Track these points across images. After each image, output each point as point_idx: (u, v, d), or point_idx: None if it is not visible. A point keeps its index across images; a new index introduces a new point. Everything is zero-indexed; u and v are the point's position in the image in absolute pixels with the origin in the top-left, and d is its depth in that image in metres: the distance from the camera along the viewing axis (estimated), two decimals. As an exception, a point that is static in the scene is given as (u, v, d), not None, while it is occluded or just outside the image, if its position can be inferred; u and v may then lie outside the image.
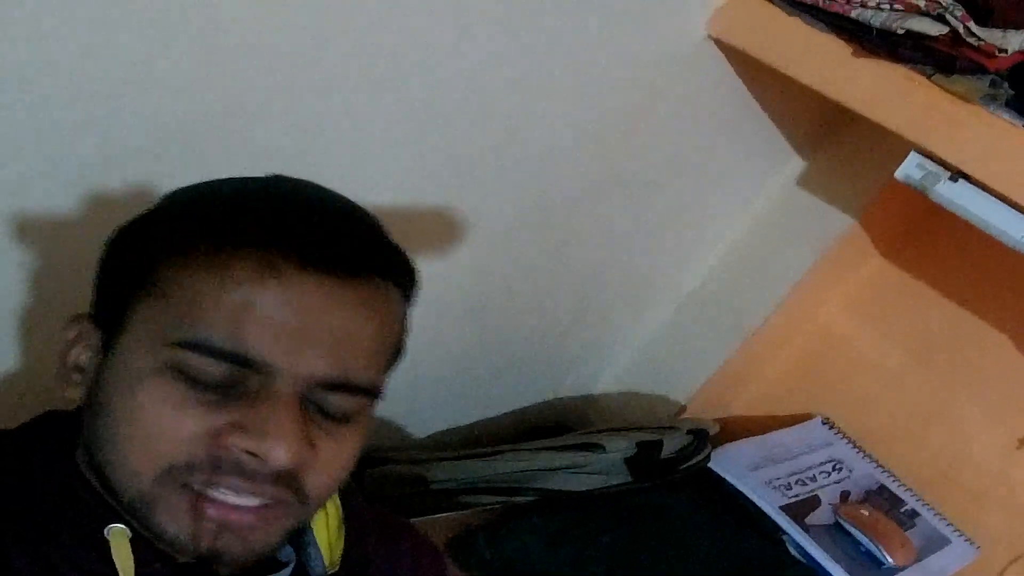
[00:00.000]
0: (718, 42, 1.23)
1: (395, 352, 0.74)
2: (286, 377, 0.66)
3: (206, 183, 0.74)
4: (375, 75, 1.00)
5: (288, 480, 0.67)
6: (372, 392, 0.70)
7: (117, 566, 0.67)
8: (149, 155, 0.91)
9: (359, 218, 0.73)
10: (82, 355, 0.72)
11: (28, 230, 0.91)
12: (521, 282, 1.33)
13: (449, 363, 1.36)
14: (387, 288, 0.71)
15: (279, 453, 0.65)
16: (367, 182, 1.04)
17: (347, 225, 0.72)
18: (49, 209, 0.91)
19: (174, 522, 0.66)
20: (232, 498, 0.66)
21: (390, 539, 0.89)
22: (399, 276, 0.73)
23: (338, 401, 0.68)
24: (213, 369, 0.65)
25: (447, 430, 1.46)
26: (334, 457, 0.69)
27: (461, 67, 1.05)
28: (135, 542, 0.69)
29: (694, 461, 1.36)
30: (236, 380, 0.66)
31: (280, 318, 0.65)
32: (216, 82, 0.91)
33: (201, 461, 0.65)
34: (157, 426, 0.65)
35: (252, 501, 0.67)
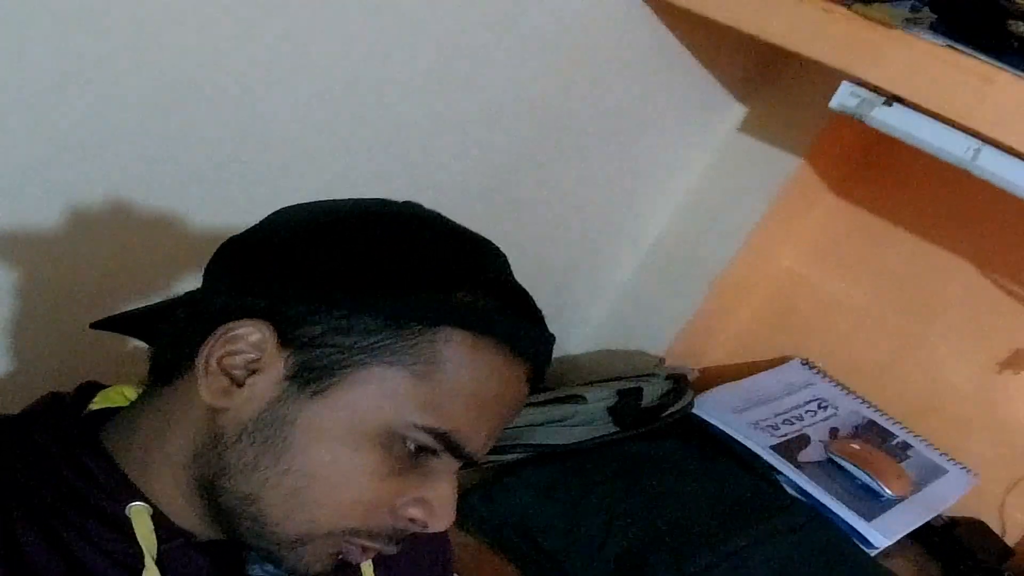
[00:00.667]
0: None
1: None
2: (465, 460, 0.72)
3: (436, 226, 0.75)
4: (309, 54, 1.01)
5: None
6: None
7: (140, 543, 0.68)
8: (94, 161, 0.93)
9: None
10: (233, 360, 0.69)
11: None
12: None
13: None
14: None
15: (444, 525, 0.72)
16: (304, 161, 1.06)
17: (550, 337, 0.75)
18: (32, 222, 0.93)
19: (317, 562, 0.70)
20: (379, 546, 0.72)
21: None
22: None
23: None
24: (424, 448, 0.69)
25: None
26: None
27: (385, 33, 1.06)
28: (155, 520, 0.69)
29: (678, 407, 1.37)
30: (428, 455, 0.70)
31: (498, 417, 0.72)
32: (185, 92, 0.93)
33: (380, 529, 0.70)
34: (364, 493, 0.68)
35: (392, 551, 0.73)
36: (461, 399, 0.68)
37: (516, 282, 0.75)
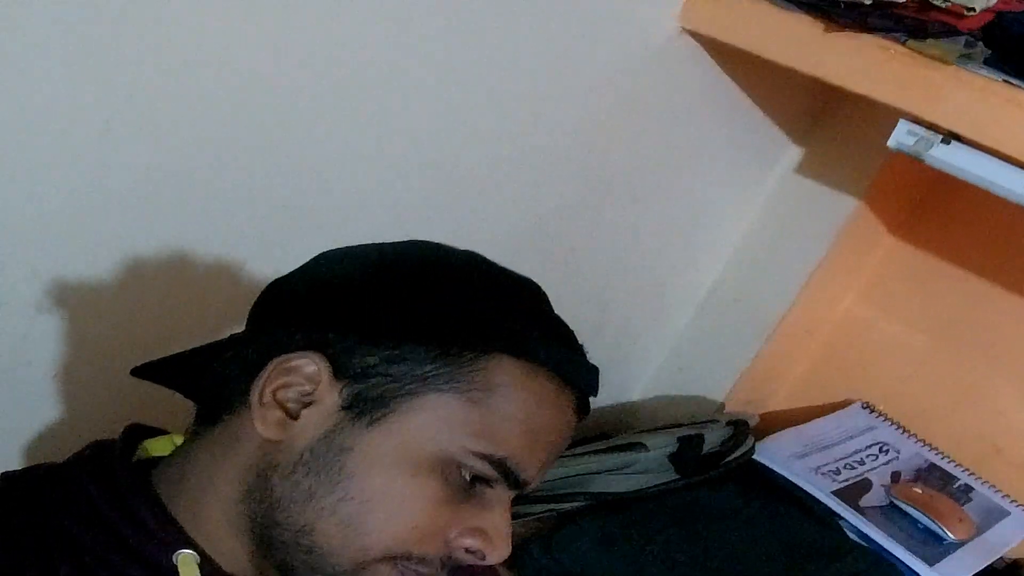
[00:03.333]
0: (693, 34, 1.26)
1: None
2: (519, 490, 0.73)
3: (480, 263, 0.78)
4: (358, 104, 1.03)
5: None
6: None
7: None
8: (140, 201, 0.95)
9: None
10: (287, 393, 0.71)
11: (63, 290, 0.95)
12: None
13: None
14: None
15: (502, 556, 0.73)
16: (358, 209, 1.08)
17: (596, 370, 0.77)
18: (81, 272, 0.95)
19: None
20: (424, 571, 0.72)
21: None
22: None
23: None
24: (479, 476, 0.71)
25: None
26: None
27: (441, 81, 1.07)
28: (203, 566, 0.70)
29: (738, 453, 1.37)
30: (483, 483, 0.72)
31: (549, 445, 0.73)
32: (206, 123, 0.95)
33: (434, 558, 0.71)
34: (419, 519, 0.69)
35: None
36: (514, 426, 0.70)
37: (558, 316, 0.78)
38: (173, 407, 0.83)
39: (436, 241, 0.79)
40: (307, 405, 0.70)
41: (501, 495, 0.72)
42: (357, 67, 1.01)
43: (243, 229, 1.02)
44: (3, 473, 0.76)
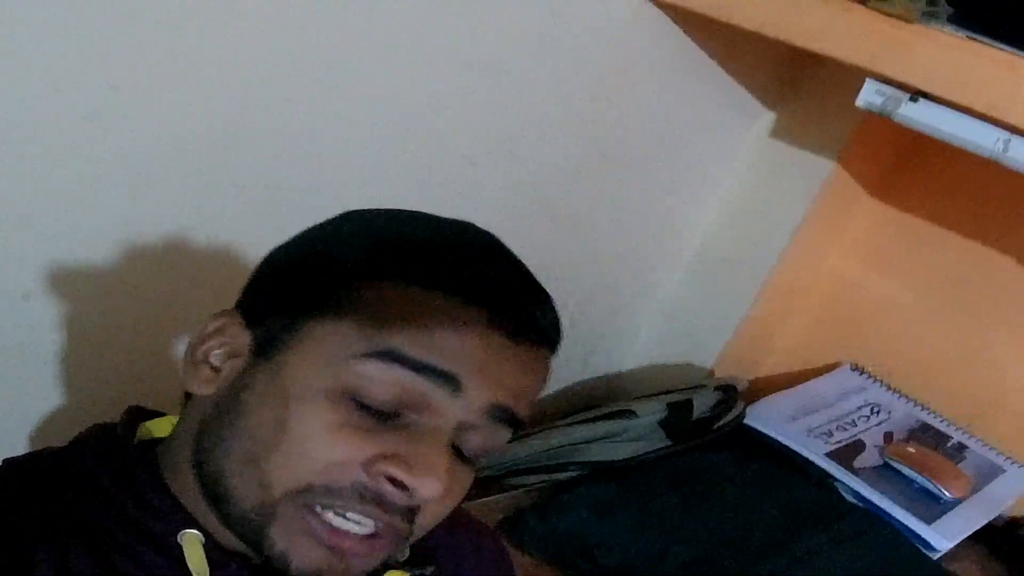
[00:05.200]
0: (657, 3, 1.25)
1: None
2: (461, 399, 0.67)
3: (394, 212, 0.76)
4: (346, 82, 1.03)
5: (409, 512, 0.68)
6: (522, 426, 0.72)
7: (192, 570, 0.68)
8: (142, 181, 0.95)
9: (546, 294, 0.75)
10: (216, 352, 0.71)
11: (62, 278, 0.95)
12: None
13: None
14: (550, 356, 0.74)
15: (431, 488, 0.66)
16: (352, 185, 1.08)
17: (539, 299, 0.73)
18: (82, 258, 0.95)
19: (285, 539, 0.66)
20: (350, 526, 0.67)
21: (449, 526, 0.85)
22: (556, 346, 0.75)
23: (479, 440, 0.70)
24: (390, 386, 0.66)
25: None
26: (453, 495, 0.71)
27: (428, 56, 1.07)
28: (207, 548, 0.70)
29: (729, 418, 1.37)
30: (401, 407, 0.67)
31: (471, 346, 0.67)
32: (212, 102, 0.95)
33: (341, 488, 0.66)
34: (309, 446, 0.65)
35: (367, 529, 0.67)
36: (405, 322, 0.66)
37: (499, 256, 0.74)
38: (169, 390, 0.84)
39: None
40: (231, 359, 0.71)
41: (437, 422, 0.67)
42: (343, 45, 1.01)
43: (236, 212, 1.02)
44: (6, 459, 0.75)
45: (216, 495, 0.69)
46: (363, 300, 0.67)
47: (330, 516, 0.66)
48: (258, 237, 1.02)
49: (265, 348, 0.69)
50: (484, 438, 0.70)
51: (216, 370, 0.71)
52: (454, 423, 0.68)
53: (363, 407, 0.66)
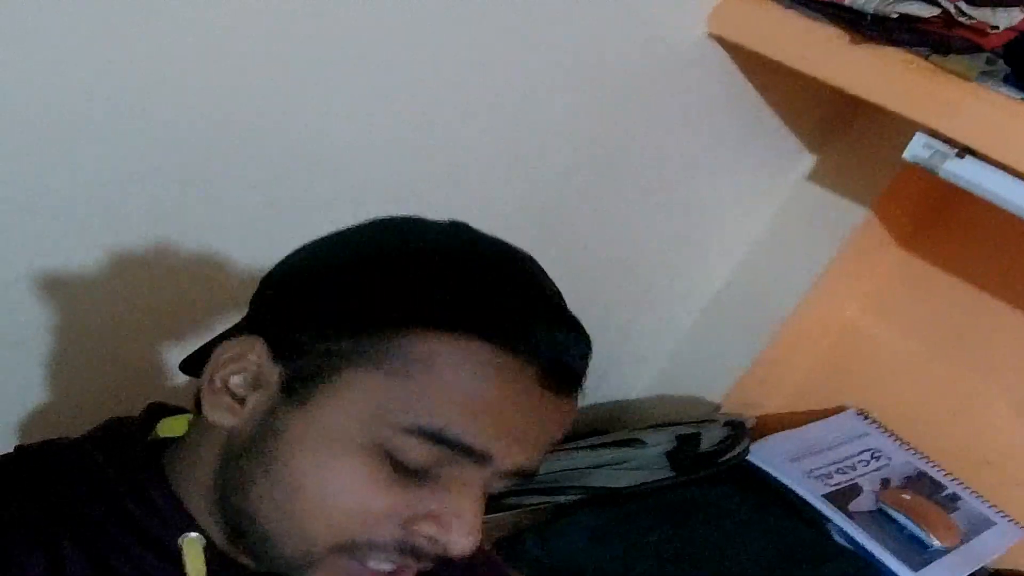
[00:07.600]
0: (719, 39, 1.26)
1: None
2: (490, 468, 0.67)
3: (432, 232, 0.74)
4: (371, 79, 1.02)
5: (438, 557, 0.69)
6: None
7: (189, 574, 0.69)
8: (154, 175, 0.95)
9: (585, 336, 0.72)
10: (236, 378, 0.70)
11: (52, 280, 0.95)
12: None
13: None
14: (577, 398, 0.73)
15: (468, 545, 0.67)
16: (351, 200, 1.06)
17: (584, 346, 0.71)
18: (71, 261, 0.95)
19: None
20: (384, 567, 0.68)
21: None
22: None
23: (503, 485, 0.70)
24: (425, 455, 0.65)
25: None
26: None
27: (443, 69, 1.06)
28: (207, 551, 0.70)
29: (734, 453, 1.38)
30: (439, 464, 0.66)
31: (514, 418, 0.66)
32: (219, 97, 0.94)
33: (385, 543, 0.67)
34: (355, 503, 0.66)
35: (391, 567, 0.69)
36: (446, 395, 0.65)
37: (540, 289, 0.72)
38: (167, 395, 0.83)
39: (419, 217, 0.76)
40: (255, 390, 0.69)
41: (469, 477, 0.67)
42: (365, 52, 1.00)
43: (231, 218, 1.02)
44: (18, 446, 0.76)
45: (245, 530, 0.69)
46: (411, 356, 0.66)
47: (372, 564, 0.68)
48: (250, 243, 1.02)
49: (297, 388, 0.68)
50: (502, 486, 0.71)
51: (238, 399, 0.70)
52: (483, 482, 0.68)
53: (398, 463, 0.66)
